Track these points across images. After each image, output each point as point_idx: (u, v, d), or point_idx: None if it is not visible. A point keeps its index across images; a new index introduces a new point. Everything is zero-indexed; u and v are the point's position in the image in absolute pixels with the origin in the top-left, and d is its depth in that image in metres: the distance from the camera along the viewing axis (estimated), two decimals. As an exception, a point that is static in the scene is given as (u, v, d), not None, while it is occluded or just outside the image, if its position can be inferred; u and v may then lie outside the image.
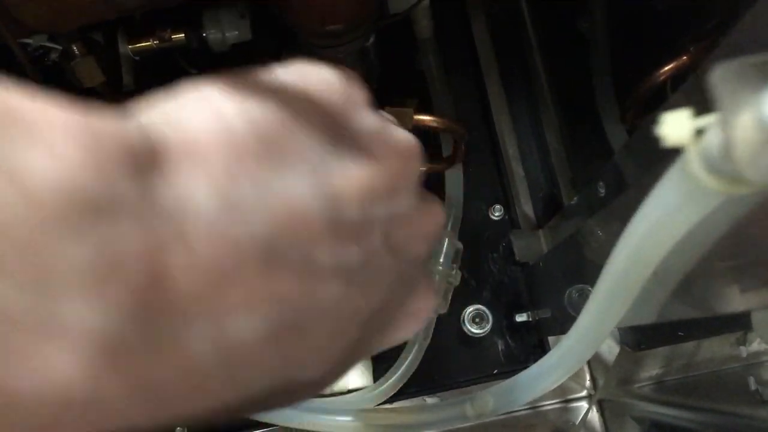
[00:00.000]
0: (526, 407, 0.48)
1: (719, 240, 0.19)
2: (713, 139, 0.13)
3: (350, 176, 0.17)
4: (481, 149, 0.49)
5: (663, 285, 0.23)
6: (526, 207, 0.48)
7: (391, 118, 0.21)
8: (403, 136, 0.19)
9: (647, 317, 0.26)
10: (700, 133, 0.13)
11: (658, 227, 0.17)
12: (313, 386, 0.18)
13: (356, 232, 0.16)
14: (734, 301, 0.22)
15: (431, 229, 0.20)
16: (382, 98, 0.43)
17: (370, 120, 0.19)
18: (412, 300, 0.20)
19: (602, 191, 0.39)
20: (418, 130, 0.43)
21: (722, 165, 0.13)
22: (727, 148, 0.12)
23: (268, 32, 0.41)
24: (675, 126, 0.13)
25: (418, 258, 0.19)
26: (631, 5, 0.44)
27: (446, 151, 0.47)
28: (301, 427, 0.36)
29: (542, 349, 0.46)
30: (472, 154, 0.48)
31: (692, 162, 0.14)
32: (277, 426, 0.41)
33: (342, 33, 0.35)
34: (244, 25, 0.40)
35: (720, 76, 0.12)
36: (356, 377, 0.42)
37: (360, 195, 0.17)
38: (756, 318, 0.39)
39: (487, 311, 0.46)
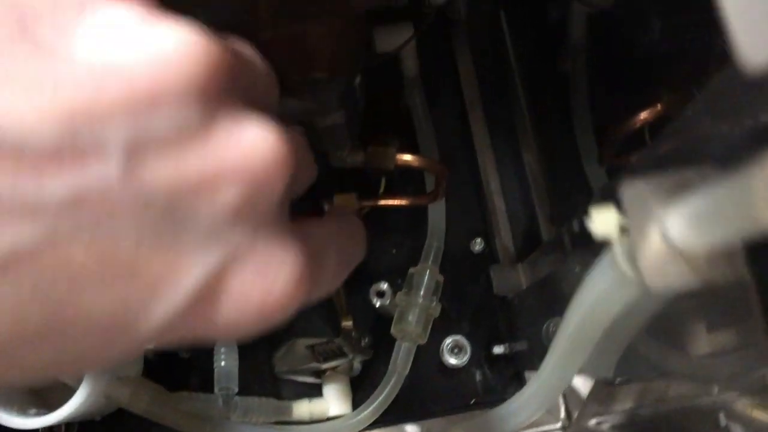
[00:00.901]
0: (501, 438, 0.49)
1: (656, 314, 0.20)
2: (629, 242, 0.14)
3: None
4: (464, 183, 0.50)
5: (611, 350, 0.24)
6: (507, 241, 0.49)
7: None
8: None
9: (604, 372, 0.28)
10: (624, 230, 0.15)
11: (594, 307, 0.18)
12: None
13: (61, 154, 0.13)
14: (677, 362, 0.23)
15: (242, 165, 0.15)
16: (367, 134, 0.45)
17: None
18: (234, 273, 0.15)
19: (577, 229, 0.40)
20: (401, 168, 0.44)
21: (640, 263, 0.14)
22: (634, 257, 0.13)
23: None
24: (602, 222, 0.15)
25: (226, 210, 0.15)
26: (611, 50, 0.46)
27: (429, 185, 0.48)
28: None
29: (519, 381, 0.47)
30: (456, 188, 0.50)
31: (617, 255, 0.15)
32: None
33: (323, 81, 0.36)
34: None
35: (632, 192, 0.13)
36: (335, 405, 0.44)
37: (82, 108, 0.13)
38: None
39: (465, 342, 0.47)
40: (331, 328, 0.38)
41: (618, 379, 0.46)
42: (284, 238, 0.16)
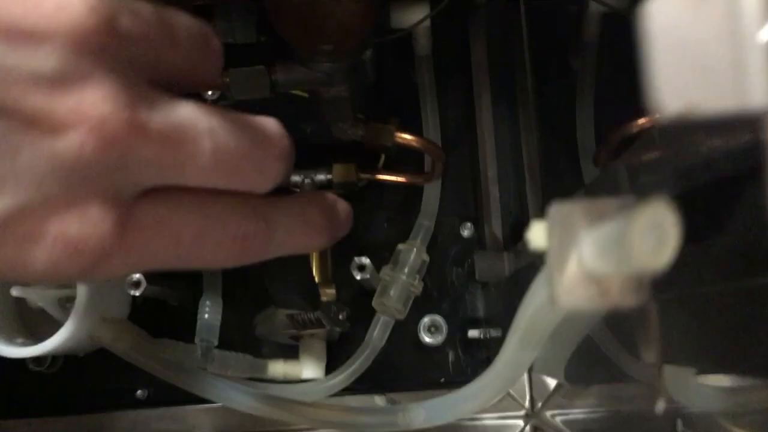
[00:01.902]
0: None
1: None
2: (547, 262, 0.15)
3: None
4: (462, 168, 0.51)
5: (557, 358, 0.25)
6: (496, 229, 0.50)
7: None
8: None
9: (556, 376, 0.29)
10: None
11: (535, 317, 0.19)
12: None
13: None
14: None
15: (97, 112, 0.16)
16: (374, 110, 0.45)
17: None
18: (47, 219, 0.16)
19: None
20: (400, 146, 0.45)
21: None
22: (550, 276, 0.14)
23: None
24: (538, 234, 0.15)
25: (50, 157, 0.15)
26: (623, 52, 0.46)
27: (428, 165, 0.49)
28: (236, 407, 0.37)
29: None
30: (453, 171, 0.50)
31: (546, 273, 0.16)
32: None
33: (331, 52, 0.37)
34: (251, 26, 0.41)
35: (558, 213, 0.14)
36: (309, 368, 0.45)
37: None
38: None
39: (443, 323, 0.48)
40: (309, 301, 0.39)
41: (569, 385, 0.47)
42: (112, 204, 0.17)
